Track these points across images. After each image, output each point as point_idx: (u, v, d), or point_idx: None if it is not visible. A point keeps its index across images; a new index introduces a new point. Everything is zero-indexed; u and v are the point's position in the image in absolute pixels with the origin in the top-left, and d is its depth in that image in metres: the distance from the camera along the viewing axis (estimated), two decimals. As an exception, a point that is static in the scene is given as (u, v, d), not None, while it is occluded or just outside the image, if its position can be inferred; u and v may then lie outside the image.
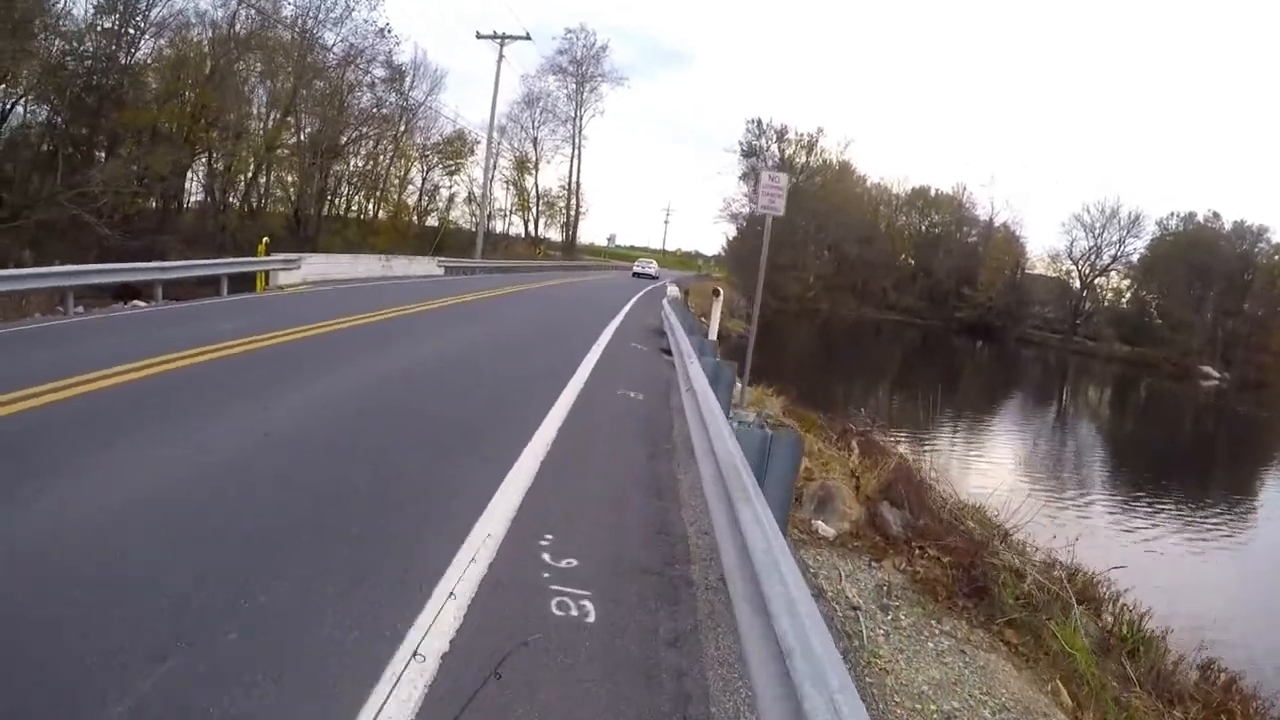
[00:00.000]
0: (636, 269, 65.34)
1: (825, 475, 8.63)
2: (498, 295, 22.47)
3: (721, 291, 19.10)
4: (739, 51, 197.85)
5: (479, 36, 45.66)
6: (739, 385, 11.23)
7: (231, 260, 18.77)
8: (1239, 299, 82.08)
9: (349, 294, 18.97)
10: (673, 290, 23.01)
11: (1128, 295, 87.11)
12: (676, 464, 7.49)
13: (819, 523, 7.28)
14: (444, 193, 63.96)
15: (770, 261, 54.14)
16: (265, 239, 20.62)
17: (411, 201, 61.30)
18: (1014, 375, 61.40)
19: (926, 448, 21.13)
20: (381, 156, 55.46)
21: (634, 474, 7.00)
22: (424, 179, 61.93)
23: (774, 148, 78.16)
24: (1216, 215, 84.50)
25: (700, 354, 9.80)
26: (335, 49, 45.11)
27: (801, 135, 78.39)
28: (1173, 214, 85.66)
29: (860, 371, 46.66)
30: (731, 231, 79.25)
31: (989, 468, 21.33)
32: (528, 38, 48.56)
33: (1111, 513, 19.13)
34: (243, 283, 18.45)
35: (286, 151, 45.16)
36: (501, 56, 44.82)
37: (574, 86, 75.40)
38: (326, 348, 11.00)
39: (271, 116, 43.70)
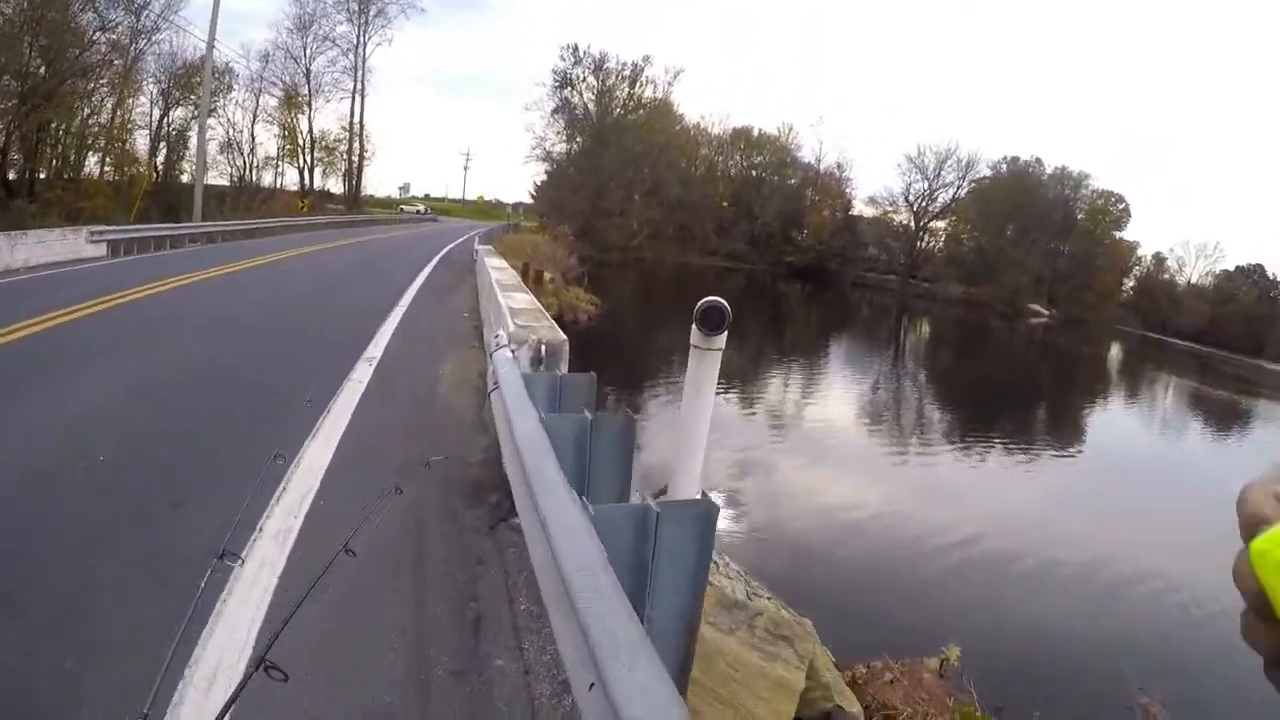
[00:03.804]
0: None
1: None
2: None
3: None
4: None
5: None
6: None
7: None
8: (1062, 241, 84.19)
9: None
10: (492, 268, 12.76)
11: (963, 237, 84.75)
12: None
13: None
14: (192, 139, 47.26)
15: (591, 207, 45.81)
16: None
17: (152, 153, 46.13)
18: (842, 319, 57.60)
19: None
20: (98, 96, 40.87)
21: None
22: (164, 122, 46.30)
23: (591, 78, 68.09)
24: (1039, 161, 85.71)
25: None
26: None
27: (624, 65, 68.18)
28: (1003, 157, 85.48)
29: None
30: (541, 174, 69.53)
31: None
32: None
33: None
34: None
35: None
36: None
37: (356, 6, 60.86)
38: None
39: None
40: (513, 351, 4.90)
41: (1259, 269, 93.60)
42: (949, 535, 12.30)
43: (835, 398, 23.45)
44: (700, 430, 5.85)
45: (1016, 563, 11.81)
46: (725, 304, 5.41)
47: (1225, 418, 37.74)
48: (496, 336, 5.65)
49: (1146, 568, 12.33)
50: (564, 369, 5.58)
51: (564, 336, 5.68)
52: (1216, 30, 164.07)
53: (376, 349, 9.52)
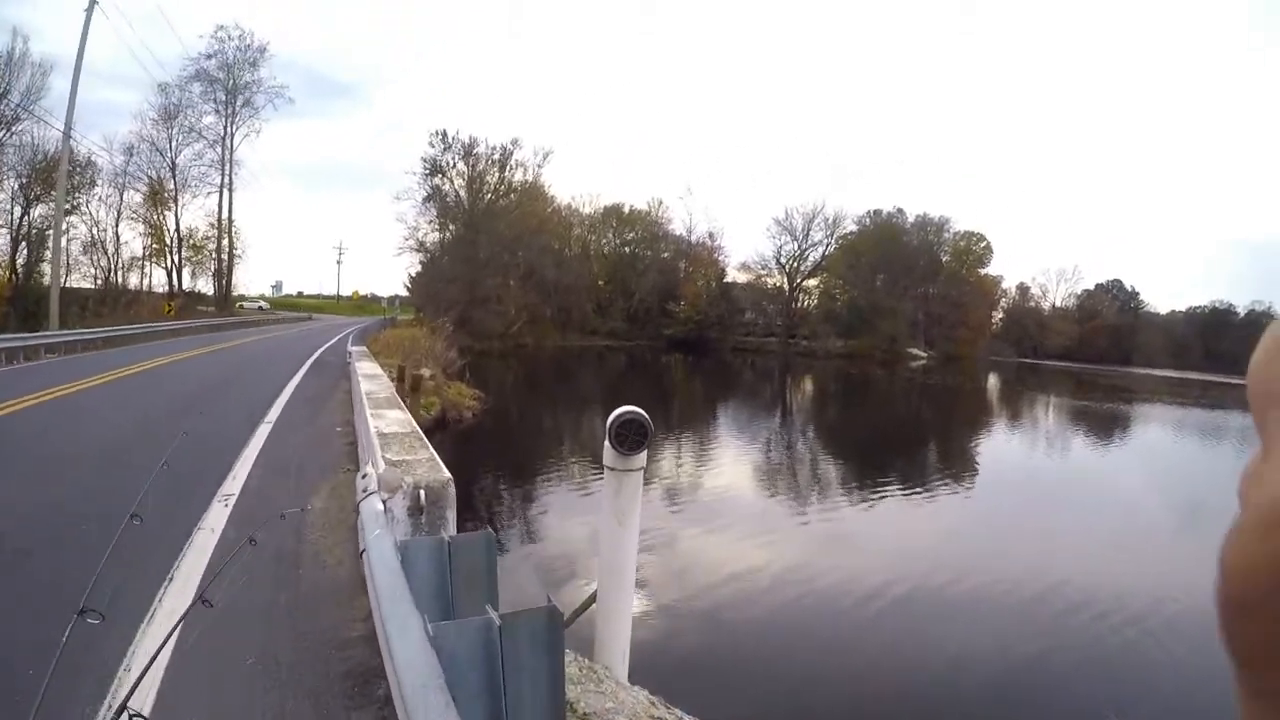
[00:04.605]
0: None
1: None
2: None
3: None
4: (415, 85, 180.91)
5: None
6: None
7: None
8: (931, 284, 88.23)
9: None
10: (363, 376, 11.98)
11: (836, 292, 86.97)
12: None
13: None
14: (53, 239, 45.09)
15: (467, 296, 44.94)
16: None
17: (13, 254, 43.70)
18: (726, 386, 56.82)
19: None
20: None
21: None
22: (24, 220, 44.25)
23: (461, 164, 67.41)
24: (901, 210, 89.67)
25: None
26: None
27: (493, 148, 67.99)
28: (867, 211, 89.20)
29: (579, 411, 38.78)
30: (415, 265, 68.15)
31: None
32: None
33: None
34: None
35: None
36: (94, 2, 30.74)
37: (224, 97, 59.36)
38: None
39: None
40: (384, 501, 3.85)
41: (1117, 283, 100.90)
42: (879, 596, 11.93)
43: (729, 466, 22.87)
44: (629, 565, 4.94)
45: (955, 609, 11.66)
46: (644, 415, 4.52)
47: (1111, 427, 39.99)
48: (364, 477, 4.54)
49: (1075, 593, 12.38)
50: (451, 519, 4.54)
51: (448, 475, 4.63)
52: (1056, 67, 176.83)
53: (235, 483, 8.21)
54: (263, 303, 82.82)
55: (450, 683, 2.18)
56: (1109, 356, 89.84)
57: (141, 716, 1.88)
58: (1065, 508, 20.12)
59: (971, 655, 9.90)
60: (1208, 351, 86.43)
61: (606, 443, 4.58)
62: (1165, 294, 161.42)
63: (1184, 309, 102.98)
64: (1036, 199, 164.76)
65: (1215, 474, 26.39)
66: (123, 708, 1.88)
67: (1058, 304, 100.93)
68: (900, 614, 11.20)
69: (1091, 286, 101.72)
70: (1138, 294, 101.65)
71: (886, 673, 9.34)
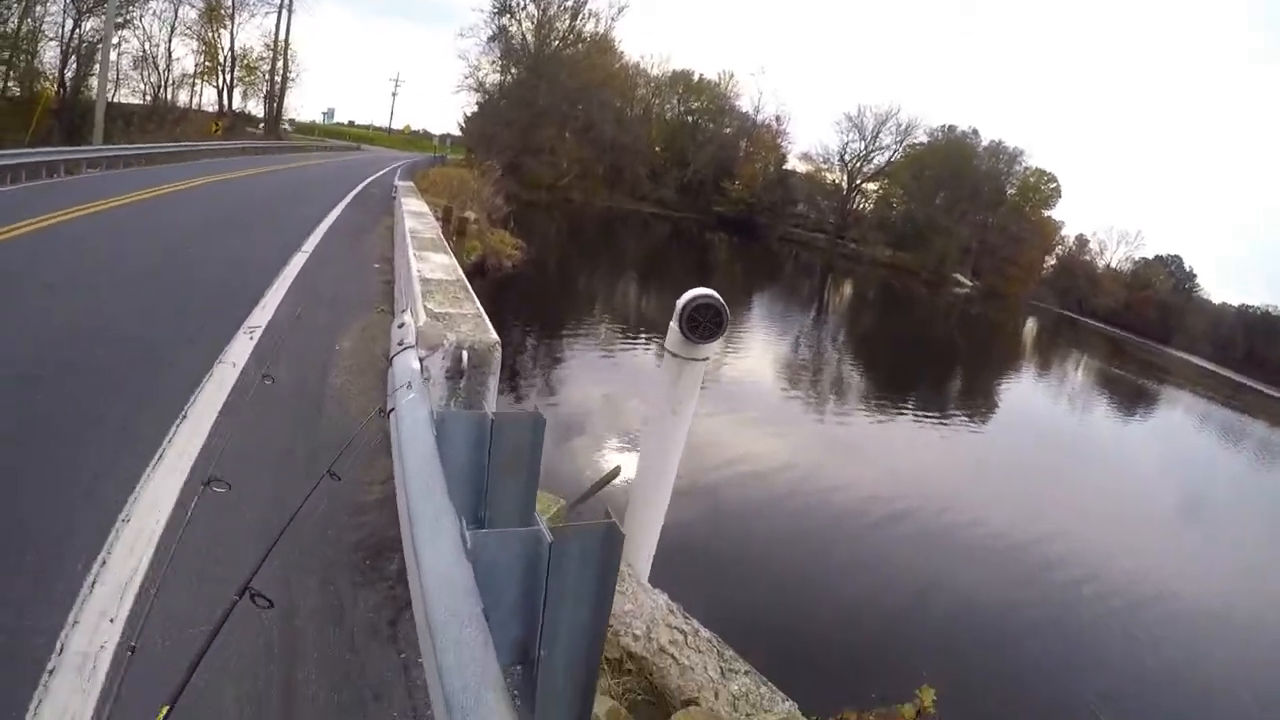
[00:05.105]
0: None
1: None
2: None
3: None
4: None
5: None
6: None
7: None
8: (990, 214, 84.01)
9: None
10: (408, 213, 11.60)
11: (894, 201, 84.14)
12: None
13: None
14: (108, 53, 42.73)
15: (521, 143, 43.91)
16: None
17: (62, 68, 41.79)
18: (769, 274, 56.92)
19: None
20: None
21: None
22: (75, 34, 41.77)
23: (532, 7, 64.80)
24: (976, 132, 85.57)
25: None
26: None
27: (566, -6, 64.59)
28: (941, 126, 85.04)
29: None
30: (472, 105, 66.38)
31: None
32: None
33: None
34: None
35: None
36: None
37: None
38: None
39: None
40: (421, 359, 3.40)
41: (1177, 260, 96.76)
42: (880, 509, 12.35)
43: (756, 355, 22.74)
44: (672, 458, 4.54)
45: (947, 538, 12.03)
46: (720, 301, 4.02)
47: (1138, 401, 39.31)
48: (400, 326, 4.05)
49: (1059, 552, 12.63)
50: (493, 387, 4.09)
51: (495, 337, 4.15)
52: (1156, 32, 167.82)
53: (264, 314, 7.83)
54: (286, 125, 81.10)
55: (484, 603, 1.78)
56: (1150, 331, 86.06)
57: (264, 597, 1.89)
58: (1074, 467, 20.04)
59: (948, 583, 10.39)
60: (1250, 353, 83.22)
61: (673, 324, 4.13)
62: (1222, 284, 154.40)
63: (1237, 304, 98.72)
64: (1115, 152, 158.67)
65: (1223, 473, 26.05)
66: (245, 587, 1.87)
67: (1112, 265, 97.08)
68: (896, 532, 11.68)
69: (1150, 256, 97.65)
70: (1195, 276, 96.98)
71: (874, 585, 9.79)
